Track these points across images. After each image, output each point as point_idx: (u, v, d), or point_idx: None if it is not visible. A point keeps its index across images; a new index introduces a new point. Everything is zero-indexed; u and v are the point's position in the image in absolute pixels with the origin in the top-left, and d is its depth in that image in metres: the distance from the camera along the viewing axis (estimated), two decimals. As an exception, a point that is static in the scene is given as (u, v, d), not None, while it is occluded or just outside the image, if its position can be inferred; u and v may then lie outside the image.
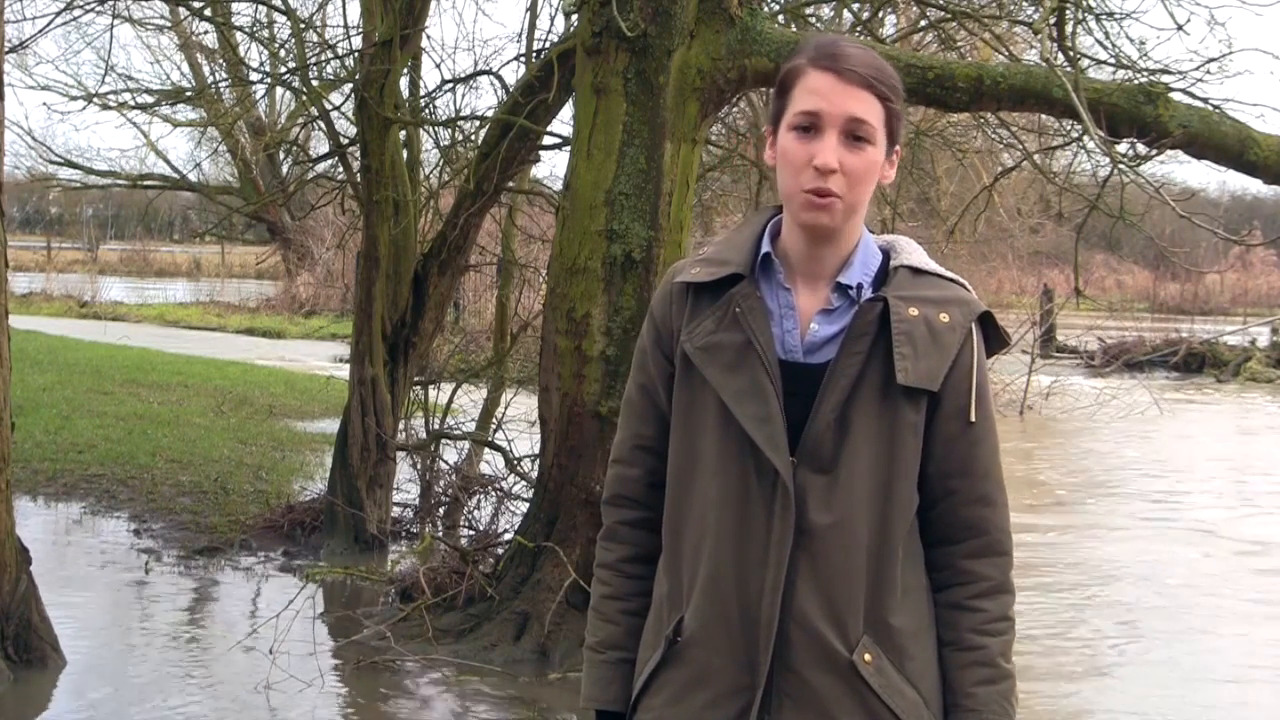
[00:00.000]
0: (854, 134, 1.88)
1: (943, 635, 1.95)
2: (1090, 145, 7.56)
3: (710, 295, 1.97)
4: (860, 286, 1.94)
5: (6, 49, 5.86)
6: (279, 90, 22.02)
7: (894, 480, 1.90)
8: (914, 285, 1.94)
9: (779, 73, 1.99)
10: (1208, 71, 6.70)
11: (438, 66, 26.97)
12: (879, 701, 1.88)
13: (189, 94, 20.90)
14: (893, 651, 1.90)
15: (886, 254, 2.00)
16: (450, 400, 9.27)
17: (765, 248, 1.98)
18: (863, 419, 1.89)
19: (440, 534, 7.80)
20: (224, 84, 15.84)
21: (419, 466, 8.74)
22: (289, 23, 9.80)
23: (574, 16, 6.59)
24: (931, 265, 1.98)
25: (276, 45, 11.37)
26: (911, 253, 2.00)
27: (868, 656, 1.88)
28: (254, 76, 13.72)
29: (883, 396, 1.89)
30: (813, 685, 1.88)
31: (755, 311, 1.93)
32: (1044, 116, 7.76)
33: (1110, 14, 7.44)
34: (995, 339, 2.00)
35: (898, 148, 1.96)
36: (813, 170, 1.88)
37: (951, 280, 1.98)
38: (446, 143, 8.92)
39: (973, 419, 1.93)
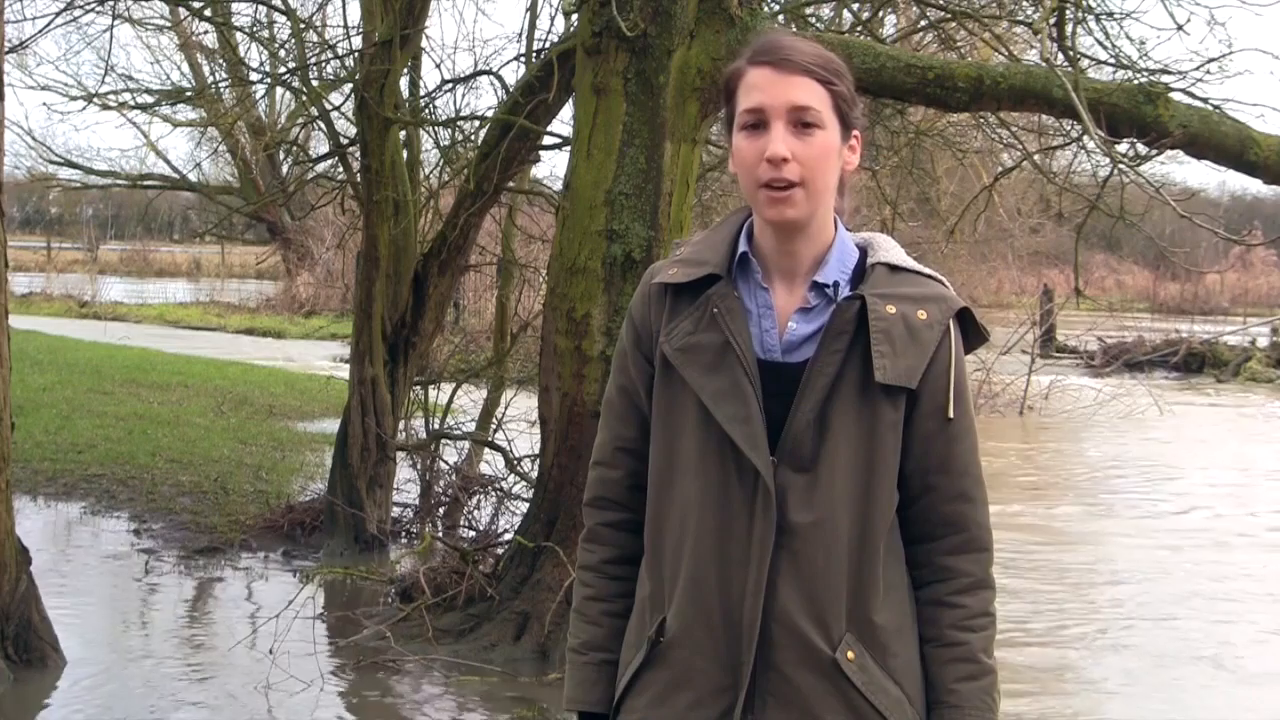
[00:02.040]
0: (800, 121, 1.89)
1: (924, 632, 1.95)
2: (1090, 145, 7.56)
3: (688, 296, 1.97)
4: (837, 285, 1.94)
5: (6, 49, 5.86)
6: (279, 90, 22.01)
7: (874, 478, 1.90)
8: (891, 283, 1.94)
9: (723, 79, 2.00)
10: (1208, 71, 6.69)
11: (438, 66, 26.98)
12: (862, 699, 1.88)
13: (189, 94, 20.91)
14: (875, 649, 1.90)
15: (863, 252, 2.00)
16: (450, 400, 9.27)
17: (742, 247, 1.98)
18: (842, 417, 1.89)
19: (440, 534, 7.80)
20: (224, 84, 15.84)
21: (419, 466, 8.75)
22: (289, 23, 9.81)
23: (574, 16, 6.59)
24: (909, 262, 1.98)
25: (276, 45, 11.37)
26: (889, 250, 2.00)
27: (850, 654, 1.88)
28: (254, 76, 13.71)
29: (862, 395, 1.89)
30: (796, 684, 1.88)
31: (733, 311, 1.93)
32: (1044, 116, 7.75)
33: (1110, 14, 7.44)
34: (974, 335, 2.00)
35: (856, 132, 1.96)
36: (766, 164, 1.88)
37: (929, 277, 1.98)
38: (446, 143, 8.92)
39: (951, 415, 1.93)
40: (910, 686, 1.92)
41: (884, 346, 1.88)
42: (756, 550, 1.88)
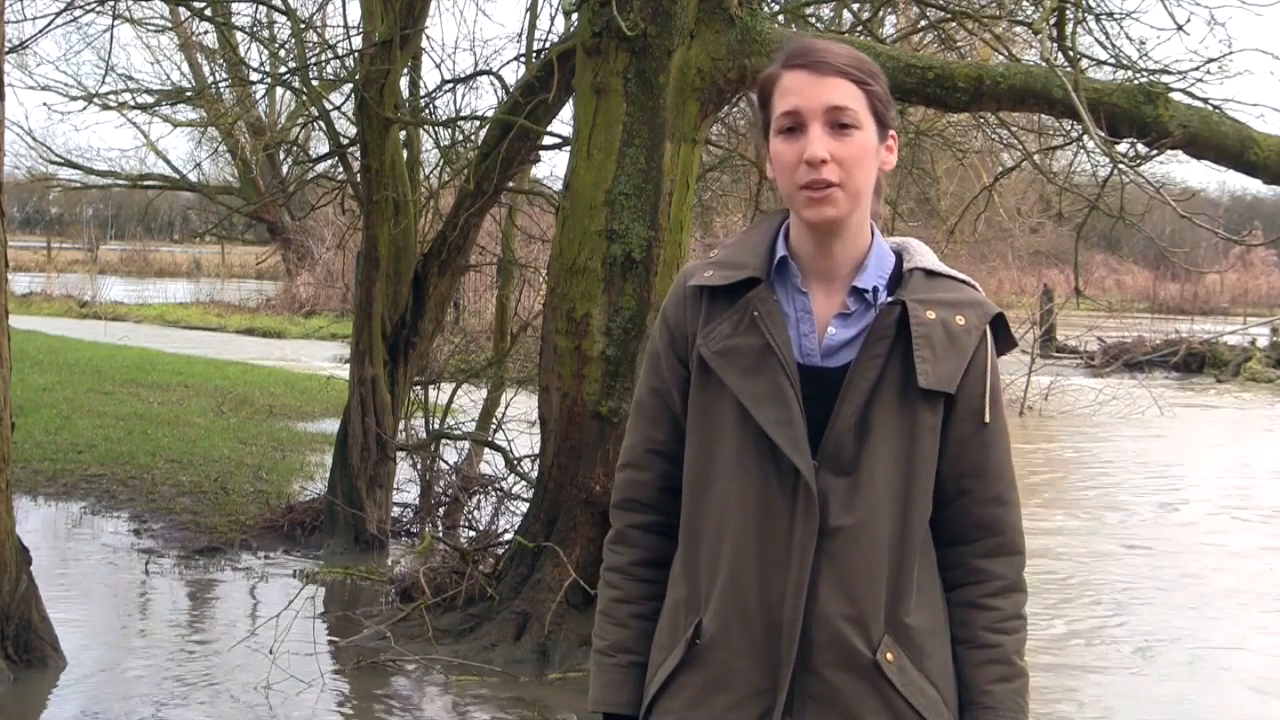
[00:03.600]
0: (838, 122, 1.89)
1: (957, 634, 1.97)
2: (1090, 145, 7.56)
3: (725, 299, 1.97)
4: (876, 290, 1.95)
5: (6, 49, 5.86)
6: (279, 90, 22.02)
7: (913, 481, 1.91)
8: (929, 288, 1.95)
9: (757, 85, 2.00)
10: (1208, 71, 6.70)
11: (438, 66, 26.96)
12: (902, 700, 1.89)
13: (189, 94, 20.92)
14: (912, 650, 1.91)
15: (899, 256, 2.01)
16: (450, 400, 9.27)
17: (781, 251, 1.98)
18: (883, 421, 1.90)
19: (440, 534, 7.80)
20: (224, 84, 15.85)
21: (419, 466, 8.75)
22: (289, 23, 9.81)
23: (574, 16, 6.60)
24: (943, 267, 2.00)
25: (276, 45, 11.37)
26: (924, 255, 2.01)
27: (890, 655, 1.89)
28: (254, 76, 13.72)
29: (902, 399, 1.91)
30: (835, 686, 1.89)
31: (773, 315, 1.93)
32: (1044, 116, 7.76)
33: (1110, 14, 7.44)
34: (1005, 339, 2.02)
35: (892, 132, 1.97)
36: (805, 166, 1.88)
37: (963, 282, 2.00)
38: (446, 143, 8.92)
39: (987, 420, 1.95)
40: (945, 688, 1.94)
41: (925, 352, 1.89)
42: (797, 553, 1.88)
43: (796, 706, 1.90)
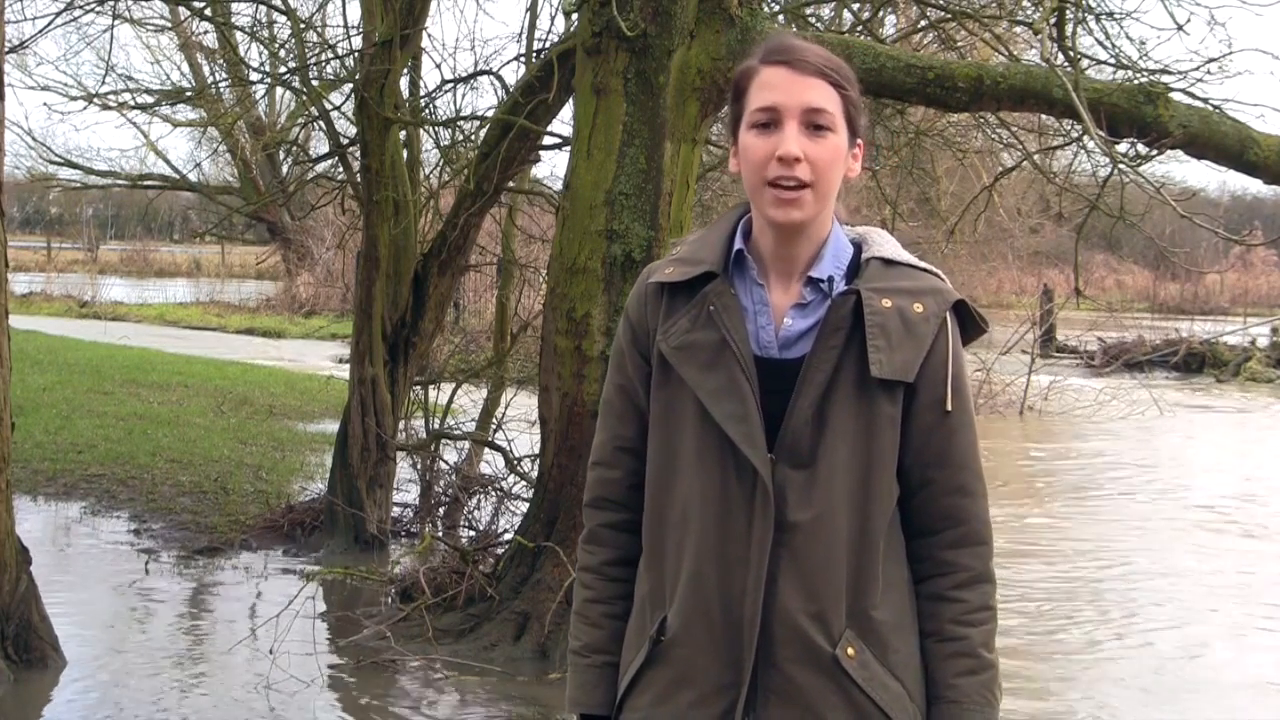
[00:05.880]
0: (814, 123, 1.89)
1: (924, 626, 1.95)
2: (1090, 145, 7.56)
3: (685, 294, 1.97)
4: (832, 280, 1.94)
5: (6, 49, 5.86)
6: (279, 90, 22.03)
7: (873, 473, 1.90)
8: (886, 277, 1.94)
9: (732, 79, 1.99)
10: (1208, 71, 6.70)
11: (438, 66, 27.07)
12: (863, 695, 1.88)
13: (189, 94, 20.94)
14: (875, 644, 1.90)
15: (858, 246, 2.00)
16: (450, 400, 9.27)
17: (738, 245, 1.98)
18: (840, 413, 1.89)
19: (440, 534, 7.80)
20: (224, 84, 15.85)
21: (419, 466, 8.75)
22: (289, 23, 9.81)
23: (574, 16, 6.60)
24: (904, 256, 1.98)
25: (276, 45, 11.37)
26: (883, 244, 2.00)
27: (850, 650, 1.88)
28: (254, 76, 13.72)
29: (859, 390, 1.89)
30: (797, 681, 1.89)
31: (730, 309, 1.93)
32: (1044, 116, 7.76)
33: (1110, 14, 7.44)
34: (971, 326, 1.99)
35: (860, 140, 1.97)
36: (776, 162, 1.88)
37: (924, 270, 1.98)
38: (446, 143, 8.92)
39: (949, 409, 1.93)
40: (910, 681, 1.93)
41: (880, 341, 1.88)
42: (756, 548, 1.88)
43: (759, 702, 1.89)
